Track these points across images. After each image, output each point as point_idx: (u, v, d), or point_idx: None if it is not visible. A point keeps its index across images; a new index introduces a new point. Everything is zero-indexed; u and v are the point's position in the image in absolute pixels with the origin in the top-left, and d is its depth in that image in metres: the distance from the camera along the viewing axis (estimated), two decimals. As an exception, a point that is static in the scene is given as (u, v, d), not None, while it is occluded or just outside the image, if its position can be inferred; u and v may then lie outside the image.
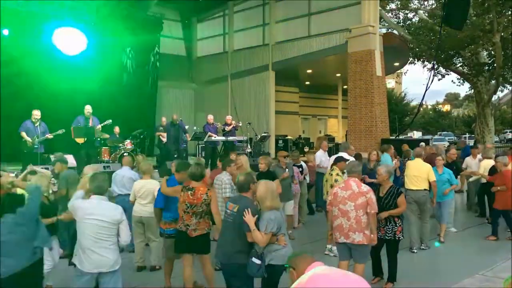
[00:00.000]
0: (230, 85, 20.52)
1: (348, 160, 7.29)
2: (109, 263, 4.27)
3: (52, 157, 10.41)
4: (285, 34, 19.03)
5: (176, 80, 21.36)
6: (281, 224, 4.31)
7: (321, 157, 10.42)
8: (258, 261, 4.22)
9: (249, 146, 14.81)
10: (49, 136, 10.46)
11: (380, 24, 17.83)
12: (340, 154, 8.32)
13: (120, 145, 12.36)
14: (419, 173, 7.66)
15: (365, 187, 5.32)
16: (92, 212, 4.23)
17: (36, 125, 10.38)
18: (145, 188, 6.57)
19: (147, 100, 19.35)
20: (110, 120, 11.79)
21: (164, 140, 13.73)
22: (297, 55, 18.25)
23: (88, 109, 11.37)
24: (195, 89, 22.35)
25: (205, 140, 13.26)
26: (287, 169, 8.21)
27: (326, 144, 11.23)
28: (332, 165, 7.52)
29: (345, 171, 6.41)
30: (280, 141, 19.96)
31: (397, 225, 5.83)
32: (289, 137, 20.79)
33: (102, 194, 4.39)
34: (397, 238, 5.83)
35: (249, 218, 4.25)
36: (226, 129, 13.81)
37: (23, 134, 10.27)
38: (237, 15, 20.89)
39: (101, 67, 17.72)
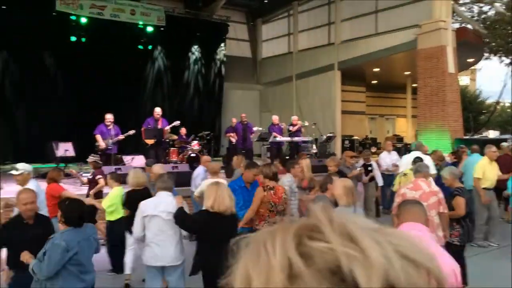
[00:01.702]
0: (295, 85, 20.43)
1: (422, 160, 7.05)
2: (172, 257, 4.39)
3: (126, 159, 10.87)
4: (351, 32, 18.65)
5: (242, 81, 21.58)
6: None
7: (385, 158, 10.10)
8: None
9: (314, 147, 14.64)
10: (121, 137, 10.91)
11: (452, 18, 16.98)
12: (415, 153, 8.05)
13: (188, 146, 12.65)
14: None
15: (435, 186, 5.11)
16: (158, 207, 4.40)
17: (109, 127, 10.86)
18: None
19: (213, 101, 19.77)
20: (178, 122, 12.12)
21: (234, 140, 13.89)
22: (364, 53, 17.82)
23: (157, 111, 11.77)
24: (260, 90, 22.48)
25: (270, 140, 13.27)
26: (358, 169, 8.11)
27: (390, 144, 10.89)
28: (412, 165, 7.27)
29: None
30: (346, 142, 19.59)
31: (454, 229, 5.48)
32: (355, 137, 20.36)
33: (166, 190, 4.54)
34: (451, 242, 5.45)
35: None
36: (291, 129, 13.76)
37: (97, 136, 10.78)
38: (302, 15, 20.76)
39: (169, 70, 18.36)
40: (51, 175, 6.84)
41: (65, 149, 11.60)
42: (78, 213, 3.85)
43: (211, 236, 4.27)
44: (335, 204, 4.43)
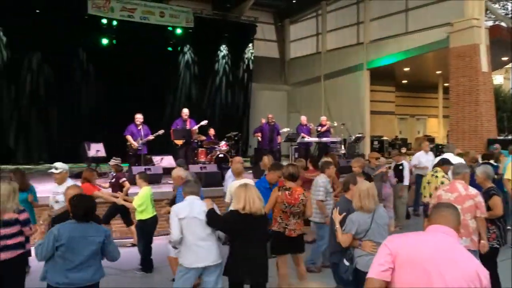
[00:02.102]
0: (323, 85, 20.29)
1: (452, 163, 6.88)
2: (214, 257, 4.43)
3: (156, 159, 10.99)
4: (381, 31, 18.40)
5: (269, 82, 21.57)
6: (365, 228, 4.12)
7: (420, 158, 9.91)
8: (347, 263, 4.17)
9: (343, 147, 14.52)
10: (151, 137, 11.04)
11: (485, 16, 16.55)
12: (446, 155, 7.87)
13: (216, 146, 12.71)
14: None
15: (473, 190, 4.94)
16: (193, 210, 4.44)
17: (139, 128, 11.01)
18: None
19: (241, 102, 19.84)
20: (206, 121, 12.19)
21: (260, 139, 13.89)
22: (394, 52, 17.56)
23: (185, 112, 11.87)
24: (288, 91, 22.41)
25: (298, 141, 13.22)
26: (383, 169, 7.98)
27: (428, 144, 10.71)
28: (434, 166, 7.11)
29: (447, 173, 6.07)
30: (376, 142, 19.34)
31: (490, 231, 5.25)
32: (385, 138, 20.08)
33: (195, 195, 4.59)
34: (491, 245, 5.17)
35: (335, 216, 4.21)
36: (319, 130, 13.68)
37: (128, 137, 10.94)
38: (330, 14, 20.61)
39: (197, 71, 18.53)
40: (85, 175, 7.02)
41: (96, 149, 11.82)
42: (84, 209, 3.91)
43: (243, 237, 4.30)
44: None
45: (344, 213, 4.23)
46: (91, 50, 16.04)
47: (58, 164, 6.23)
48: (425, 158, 10.08)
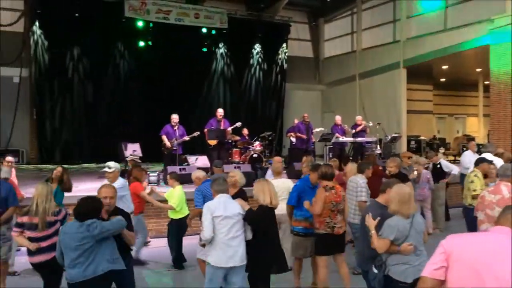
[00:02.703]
0: (358, 84, 20.03)
1: (491, 161, 6.65)
2: (242, 257, 4.45)
3: (191, 159, 11.12)
4: (418, 29, 18.00)
5: (303, 81, 21.47)
6: (405, 234, 3.92)
7: (469, 157, 9.67)
8: (375, 270, 4.01)
9: (378, 148, 14.28)
10: (186, 138, 11.17)
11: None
12: (484, 155, 7.62)
13: (250, 146, 12.74)
14: None
15: None
16: (227, 209, 4.47)
17: (175, 128, 11.16)
18: (280, 187, 6.70)
19: (274, 102, 19.85)
20: (240, 123, 12.26)
21: (293, 140, 13.85)
22: (431, 50, 17.13)
23: (220, 112, 11.96)
24: (322, 90, 22.24)
25: (332, 141, 13.10)
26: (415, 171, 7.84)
27: (474, 144, 10.44)
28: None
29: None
30: (412, 142, 18.92)
31: None
32: (422, 137, 19.62)
33: (224, 192, 4.65)
34: None
35: (369, 221, 4.05)
36: (355, 130, 13.52)
37: (164, 137, 11.10)
38: (366, 12, 20.32)
39: (231, 71, 18.66)
40: (135, 174, 7.23)
41: (133, 149, 12.03)
42: (83, 209, 3.99)
43: (271, 229, 4.39)
44: (387, 209, 4.16)
45: (379, 218, 4.06)
46: (128, 52, 16.54)
47: (111, 164, 6.39)
48: (473, 157, 9.81)
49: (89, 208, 4.01)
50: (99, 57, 15.88)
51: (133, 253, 6.75)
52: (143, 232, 7.25)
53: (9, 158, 7.15)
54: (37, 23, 14.98)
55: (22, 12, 14.81)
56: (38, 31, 15.04)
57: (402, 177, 6.54)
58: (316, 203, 5.22)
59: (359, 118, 14.05)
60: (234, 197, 6.10)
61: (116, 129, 15.59)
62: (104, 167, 6.45)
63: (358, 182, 6.37)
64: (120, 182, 6.25)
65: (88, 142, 15.78)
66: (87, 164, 15.12)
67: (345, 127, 13.67)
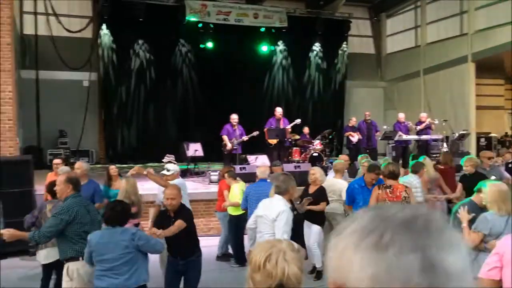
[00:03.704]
0: (423, 80, 19.30)
1: None
2: None
3: (250, 158, 11.21)
4: (488, 20, 17.04)
5: (365, 78, 21.01)
6: (499, 231, 3.72)
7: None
8: None
9: (445, 145, 13.68)
10: (245, 138, 11.26)
11: None
12: None
13: (310, 145, 12.63)
14: None
15: None
16: (266, 209, 4.49)
17: (234, 128, 11.28)
18: (333, 187, 6.62)
19: (335, 100, 19.58)
20: (299, 120, 12.19)
21: (354, 140, 13.59)
22: (503, 42, 16.18)
23: (279, 111, 11.93)
24: (384, 87, 21.65)
25: (395, 139, 12.71)
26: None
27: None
28: None
29: None
30: (482, 139, 17.97)
31: None
32: (493, 134, 18.60)
33: (280, 194, 4.51)
34: None
35: (462, 214, 3.91)
36: (419, 127, 13.05)
37: (224, 137, 11.25)
38: (430, 5, 19.53)
39: (291, 70, 18.60)
40: (223, 172, 7.54)
41: (194, 149, 12.30)
42: (110, 214, 4.04)
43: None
44: (483, 210, 4.00)
45: (473, 214, 3.94)
46: (190, 54, 16.98)
47: (169, 166, 6.56)
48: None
49: (121, 213, 4.09)
50: (162, 59, 16.46)
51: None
52: (226, 229, 7.43)
53: (56, 161, 7.39)
54: (104, 29, 15.71)
55: (90, 19, 15.55)
56: (105, 36, 15.78)
57: (479, 178, 6.20)
58: (370, 201, 5.17)
59: (423, 115, 13.54)
60: (314, 193, 6.10)
61: (179, 129, 16.05)
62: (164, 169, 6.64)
63: (412, 182, 6.18)
64: (177, 182, 6.36)
65: (153, 142, 16.30)
66: (151, 164, 15.61)
67: (408, 124, 13.23)
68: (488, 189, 3.95)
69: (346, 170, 8.50)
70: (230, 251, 7.54)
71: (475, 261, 3.76)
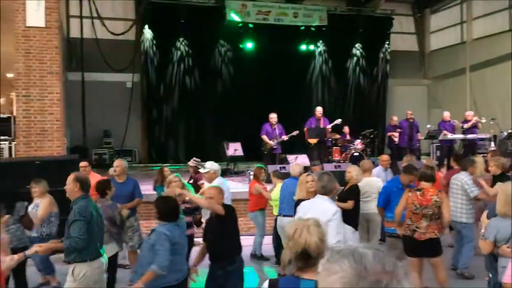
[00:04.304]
0: (469, 78, 18.67)
1: None
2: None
3: (290, 158, 11.17)
4: (539, 14, 16.32)
5: (408, 76, 20.54)
6: (506, 236, 3.61)
7: None
8: (489, 274, 3.76)
9: (492, 145, 13.18)
10: (285, 137, 11.22)
11: None
12: None
13: (351, 145, 12.46)
14: None
15: None
16: (309, 210, 4.35)
17: (273, 127, 11.26)
18: (370, 186, 6.54)
19: (377, 99, 19.25)
20: (340, 120, 12.05)
21: (396, 139, 13.32)
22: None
23: (319, 110, 11.84)
24: (428, 85, 21.08)
25: (440, 138, 12.36)
26: None
27: None
28: None
29: None
30: (533, 139, 17.21)
31: None
32: (544, 133, 17.77)
33: (326, 194, 4.40)
34: None
35: (483, 219, 3.80)
36: (465, 126, 12.63)
37: (264, 137, 11.25)
38: (477, 0, 18.87)
39: (331, 69, 18.41)
40: (255, 172, 7.60)
41: (234, 148, 12.36)
42: (173, 209, 4.15)
43: None
44: None
45: (491, 220, 3.80)
46: (230, 54, 17.12)
47: (207, 164, 6.61)
48: None
49: (173, 208, 4.22)
50: (202, 60, 16.71)
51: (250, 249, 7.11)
52: (258, 229, 7.46)
53: (82, 163, 7.50)
54: (146, 31, 16.06)
55: (134, 21, 15.89)
56: (148, 39, 16.14)
57: (503, 179, 5.97)
58: (399, 203, 5.04)
59: (469, 113, 13.09)
60: (346, 191, 6.05)
61: (219, 129, 16.19)
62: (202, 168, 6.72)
63: (462, 180, 6.04)
64: (216, 182, 6.38)
65: (193, 142, 16.52)
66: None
67: (455, 122, 12.82)
68: (500, 191, 3.86)
69: (390, 170, 8.36)
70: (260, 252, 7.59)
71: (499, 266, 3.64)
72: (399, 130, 13.33)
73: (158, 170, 7.78)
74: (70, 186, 4.38)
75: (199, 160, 8.73)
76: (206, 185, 6.49)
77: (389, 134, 13.77)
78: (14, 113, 10.19)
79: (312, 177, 5.36)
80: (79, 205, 4.30)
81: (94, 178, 7.29)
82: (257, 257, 7.57)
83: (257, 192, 7.30)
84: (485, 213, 3.96)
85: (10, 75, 16.30)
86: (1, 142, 10.23)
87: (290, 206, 6.02)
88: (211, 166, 6.53)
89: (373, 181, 6.67)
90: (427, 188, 4.93)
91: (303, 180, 5.38)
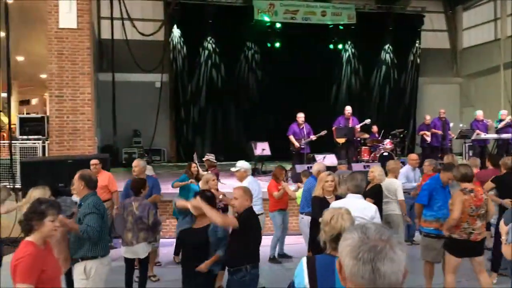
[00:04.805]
0: (503, 75, 18.15)
1: None
2: None
3: (318, 158, 11.10)
4: None
5: (439, 75, 20.11)
6: None
7: None
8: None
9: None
10: (313, 137, 11.14)
11: None
12: None
13: (380, 144, 12.29)
14: None
15: None
16: (353, 210, 4.30)
17: (301, 127, 11.19)
18: (388, 187, 6.45)
19: (407, 98, 18.93)
20: (369, 120, 11.92)
21: (428, 139, 13.05)
22: None
23: (348, 109, 11.71)
24: (460, 83, 20.61)
25: (472, 138, 12.06)
26: None
27: None
28: None
29: None
30: None
31: None
32: None
33: (358, 193, 4.39)
34: None
35: (501, 227, 3.67)
36: (499, 126, 12.29)
37: (291, 137, 11.20)
38: (511, -4, 18.34)
39: (360, 67, 18.21)
40: (275, 172, 7.58)
41: (262, 148, 12.36)
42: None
43: None
44: None
45: (511, 224, 3.67)
46: (258, 54, 17.15)
47: (238, 163, 6.64)
48: None
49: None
50: (230, 59, 16.79)
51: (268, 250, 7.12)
52: (276, 229, 7.42)
53: (94, 161, 7.54)
54: (175, 31, 16.24)
55: (162, 22, 16.07)
56: (176, 39, 16.32)
57: None
58: (454, 207, 4.83)
59: (503, 112, 12.71)
60: (368, 191, 5.98)
61: (247, 128, 16.23)
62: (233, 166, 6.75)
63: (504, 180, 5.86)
64: (247, 181, 6.39)
65: (221, 141, 16.61)
66: (219, 163, 15.89)
67: (488, 122, 12.49)
68: None
69: (419, 169, 8.22)
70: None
71: None
72: (434, 130, 13.04)
73: (187, 165, 7.95)
74: (76, 184, 4.48)
75: (212, 155, 8.82)
76: (226, 182, 6.53)
77: (421, 133, 13.50)
78: (47, 113, 10.41)
79: (332, 177, 5.28)
80: (91, 199, 4.37)
81: (104, 176, 7.46)
82: (274, 259, 7.45)
83: (279, 196, 7.20)
84: (502, 221, 3.81)
85: (43, 76, 16.70)
86: (35, 142, 10.48)
87: (309, 204, 6.11)
88: (242, 164, 6.54)
89: (391, 182, 6.57)
90: (477, 189, 4.90)
91: (323, 178, 5.28)
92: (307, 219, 6.08)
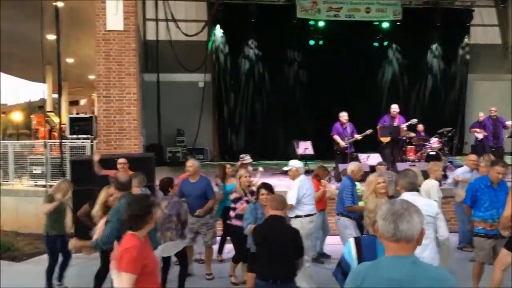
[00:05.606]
0: (561, 71, 17.27)
1: None
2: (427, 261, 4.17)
3: (362, 157, 10.92)
4: None
5: (489, 71, 19.32)
6: None
7: None
8: None
9: None
10: (358, 137, 10.93)
11: None
12: None
13: (426, 143, 11.94)
14: None
15: None
16: None
17: (344, 126, 11.02)
18: (423, 188, 6.27)
19: (455, 95, 18.33)
20: (415, 120, 11.58)
21: (480, 137, 12.55)
22: None
23: (394, 108, 11.43)
24: (512, 80, 19.75)
25: (525, 137, 11.52)
26: None
27: None
28: None
29: None
30: None
31: None
32: None
33: (413, 190, 4.28)
34: None
35: None
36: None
37: (335, 137, 11.02)
38: None
39: (406, 65, 17.79)
40: (317, 172, 7.52)
41: (304, 147, 12.26)
42: None
43: None
44: None
45: None
46: (301, 52, 17.08)
47: (290, 162, 6.57)
48: None
49: None
50: (273, 59, 16.77)
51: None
52: (315, 231, 7.32)
53: (121, 160, 7.32)
54: (218, 31, 16.37)
55: (206, 23, 16.24)
56: (219, 39, 16.46)
57: None
58: (508, 204, 4.75)
59: None
60: None
61: (289, 127, 16.17)
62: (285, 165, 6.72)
63: None
64: (299, 179, 6.29)
65: (264, 141, 16.62)
66: (262, 162, 15.90)
67: (543, 120, 11.89)
68: None
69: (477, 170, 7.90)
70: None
71: None
72: (476, 129, 12.52)
73: (220, 166, 7.78)
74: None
75: (248, 156, 8.77)
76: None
77: (472, 131, 12.98)
78: (95, 113, 10.73)
79: (383, 178, 5.13)
80: (118, 203, 4.52)
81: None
82: (316, 259, 7.28)
83: (318, 196, 7.08)
84: None
85: (91, 77, 17.19)
86: (84, 141, 10.81)
87: (341, 203, 6.19)
88: (293, 163, 6.46)
89: (426, 183, 6.43)
90: None
91: (373, 181, 5.11)
92: (344, 220, 6.07)
